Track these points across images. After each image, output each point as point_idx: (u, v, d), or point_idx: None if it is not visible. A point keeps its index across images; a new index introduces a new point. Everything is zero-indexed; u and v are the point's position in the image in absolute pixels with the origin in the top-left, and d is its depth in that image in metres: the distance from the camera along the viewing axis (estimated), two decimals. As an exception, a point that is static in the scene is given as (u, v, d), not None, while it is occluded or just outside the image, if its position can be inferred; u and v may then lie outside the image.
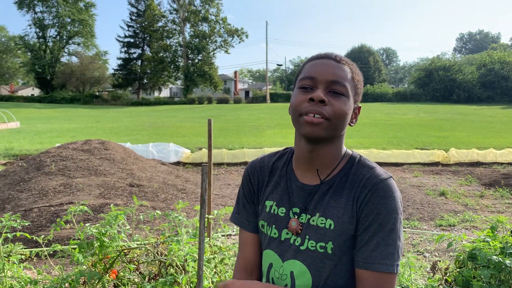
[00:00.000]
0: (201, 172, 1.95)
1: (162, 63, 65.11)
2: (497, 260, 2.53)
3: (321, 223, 1.14)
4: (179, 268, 2.84)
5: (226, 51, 67.68)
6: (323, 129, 1.11)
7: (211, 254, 3.11)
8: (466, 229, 6.05)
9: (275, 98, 58.07)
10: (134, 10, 66.08)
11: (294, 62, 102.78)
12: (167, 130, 21.29)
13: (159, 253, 3.08)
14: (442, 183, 9.12)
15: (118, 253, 3.03)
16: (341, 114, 1.12)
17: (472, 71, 55.83)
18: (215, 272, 2.93)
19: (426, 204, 7.24)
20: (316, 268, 1.15)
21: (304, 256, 1.17)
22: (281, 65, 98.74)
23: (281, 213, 1.23)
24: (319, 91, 1.11)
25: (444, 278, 2.99)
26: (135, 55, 67.45)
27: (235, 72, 78.37)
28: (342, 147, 1.21)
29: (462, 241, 3.16)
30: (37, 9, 69.34)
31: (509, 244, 2.72)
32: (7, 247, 3.17)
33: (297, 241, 1.18)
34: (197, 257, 2.24)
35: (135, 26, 66.57)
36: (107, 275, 2.98)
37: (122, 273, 3.05)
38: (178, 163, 11.36)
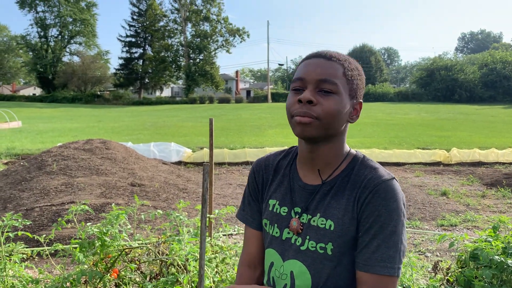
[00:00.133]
0: (202, 172, 1.94)
1: (164, 62, 65.15)
2: (499, 260, 2.53)
3: (321, 224, 1.14)
4: (180, 268, 2.84)
5: (227, 51, 67.76)
6: (314, 128, 1.10)
7: (213, 254, 3.11)
8: (467, 229, 6.04)
9: (276, 97, 58.06)
10: (136, 9, 66.20)
11: (295, 61, 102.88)
12: (168, 130, 21.30)
13: (160, 252, 3.08)
14: (444, 183, 9.11)
15: (119, 253, 3.04)
16: (331, 113, 1.10)
17: (474, 71, 55.75)
18: (216, 272, 2.93)
19: (427, 204, 7.23)
20: (316, 269, 1.15)
21: (304, 256, 1.16)
22: (282, 64, 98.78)
23: (283, 212, 1.23)
24: (307, 91, 1.11)
25: (446, 278, 2.98)
26: (136, 55, 67.54)
27: (237, 72, 78.39)
28: (343, 147, 1.19)
29: (463, 241, 3.15)
30: (39, 9, 69.51)
31: (511, 244, 2.71)
32: (9, 246, 3.18)
33: (298, 241, 1.18)
34: (198, 257, 2.24)
35: (136, 26, 66.65)
36: (108, 275, 2.99)
37: (123, 273, 3.05)
38: (179, 163, 11.36)
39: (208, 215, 3.32)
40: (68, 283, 2.87)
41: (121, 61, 66.90)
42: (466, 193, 8.18)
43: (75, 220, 3.22)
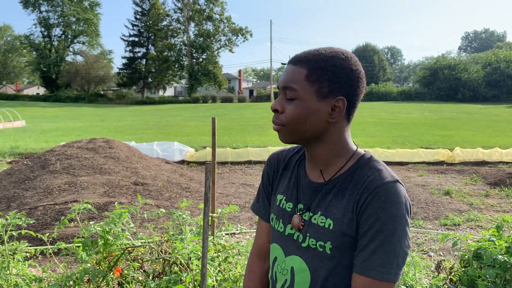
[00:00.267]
0: (205, 171, 1.94)
1: (167, 62, 65.22)
2: (502, 260, 2.52)
3: (321, 222, 1.14)
4: (183, 266, 2.85)
5: (230, 50, 67.77)
6: (284, 135, 1.16)
7: (215, 253, 3.11)
8: (471, 228, 6.02)
9: (279, 97, 57.94)
10: (139, 9, 66.33)
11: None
12: (171, 129, 21.33)
13: (163, 251, 3.08)
14: (447, 182, 9.09)
15: (122, 251, 3.04)
16: (293, 119, 1.12)
17: (478, 70, 55.58)
18: (219, 271, 2.93)
19: (430, 203, 7.22)
20: (315, 267, 1.15)
21: (305, 253, 1.17)
22: (285, 64, 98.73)
23: (288, 208, 1.24)
24: (275, 100, 1.16)
25: (449, 277, 2.97)
26: (139, 54, 67.67)
27: (239, 71, 78.43)
28: (341, 147, 1.16)
29: (467, 240, 3.15)
30: (42, 8, 69.73)
31: (514, 244, 2.70)
32: (12, 245, 3.19)
33: (300, 238, 1.18)
34: (201, 255, 2.25)
35: (139, 25, 66.78)
36: (111, 273, 2.99)
37: (126, 271, 3.06)
38: (182, 162, 11.38)
39: (210, 214, 3.32)
40: (71, 282, 2.88)
41: (124, 61, 67.16)
42: (470, 192, 8.16)
43: (78, 219, 3.23)
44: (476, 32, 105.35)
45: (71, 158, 8.09)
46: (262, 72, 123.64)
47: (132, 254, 3.15)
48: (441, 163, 11.38)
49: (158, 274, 3.08)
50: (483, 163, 11.21)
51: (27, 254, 3.28)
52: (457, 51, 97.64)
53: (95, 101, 59.92)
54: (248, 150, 12.02)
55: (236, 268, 3.11)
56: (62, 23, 70.84)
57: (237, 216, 6.56)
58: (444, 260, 3.32)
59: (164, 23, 67.10)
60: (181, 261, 2.83)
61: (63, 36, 72.41)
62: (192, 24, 66.28)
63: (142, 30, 66.90)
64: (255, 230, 5.40)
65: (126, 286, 3.09)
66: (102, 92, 66.19)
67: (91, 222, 3.11)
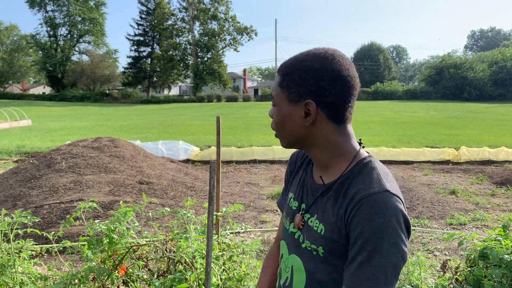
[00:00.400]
0: (209, 170, 1.94)
1: (172, 61, 65.34)
2: (508, 259, 2.50)
3: (315, 226, 1.12)
4: (187, 265, 2.85)
5: (235, 49, 67.75)
6: (279, 139, 1.20)
7: (220, 251, 3.11)
8: (477, 228, 5.99)
9: (284, 96, 57.92)
10: (144, 8, 66.50)
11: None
12: (176, 128, 21.37)
13: (167, 250, 3.09)
14: (453, 182, 9.04)
15: (127, 250, 3.05)
16: (276, 124, 1.16)
17: (484, 69, 55.29)
18: (223, 269, 2.93)
19: (436, 203, 7.18)
20: (310, 269, 1.14)
21: (303, 254, 1.16)
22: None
23: (294, 206, 1.24)
24: (271, 108, 1.20)
25: (455, 277, 2.96)
26: (145, 54, 67.87)
27: (244, 70, 78.45)
28: (336, 150, 1.13)
29: (473, 240, 3.13)
30: (48, 8, 70.11)
31: (521, 243, 2.68)
32: (18, 243, 3.20)
33: (300, 238, 1.18)
34: (205, 254, 2.25)
35: (145, 25, 66.96)
36: (116, 272, 3.00)
37: (131, 270, 3.06)
38: (187, 161, 11.39)
39: (215, 213, 3.32)
40: (76, 280, 2.89)
41: (129, 60, 67.37)
42: (476, 191, 8.11)
43: (83, 218, 3.24)
44: (482, 31, 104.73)
45: (76, 157, 8.12)
46: (267, 71, 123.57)
47: (137, 253, 3.16)
48: (446, 162, 11.32)
49: (162, 272, 3.09)
50: (489, 162, 11.15)
51: (33, 253, 3.30)
52: (463, 50, 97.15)
53: (101, 100, 60.15)
54: (253, 149, 12.02)
55: (241, 267, 3.11)
56: (68, 23, 71.18)
57: (242, 215, 6.57)
58: (450, 260, 3.31)
59: (169, 22, 67.28)
60: (185, 259, 2.84)
61: (69, 35, 72.76)
62: (197, 23, 66.38)
63: (147, 29, 67.06)
64: (260, 229, 5.40)
65: (131, 285, 3.10)
66: (107, 91, 66.42)
67: (96, 221, 3.12)
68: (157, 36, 66.79)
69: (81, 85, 67.82)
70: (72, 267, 3.25)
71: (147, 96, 62.85)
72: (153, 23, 66.04)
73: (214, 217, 3.31)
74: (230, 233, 3.82)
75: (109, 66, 72.27)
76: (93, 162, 7.95)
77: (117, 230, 3.01)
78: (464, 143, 13.52)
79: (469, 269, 2.82)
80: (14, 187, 7.08)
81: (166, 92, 70.50)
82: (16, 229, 3.09)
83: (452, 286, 2.92)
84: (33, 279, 3.04)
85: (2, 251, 3.11)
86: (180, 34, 67.47)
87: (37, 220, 3.31)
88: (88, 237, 3.03)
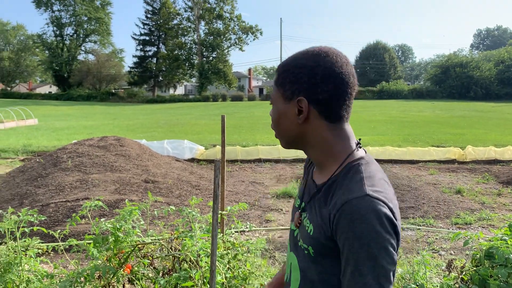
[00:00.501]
0: (214, 169, 1.95)
1: (177, 60, 65.45)
2: (514, 259, 2.49)
3: (307, 226, 1.12)
4: (192, 263, 2.86)
5: (240, 49, 67.74)
6: (279, 139, 1.20)
7: (225, 250, 3.12)
8: (483, 227, 5.96)
9: (289, 95, 57.81)
10: (150, 8, 66.62)
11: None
12: (182, 128, 21.42)
13: (173, 248, 3.10)
14: (459, 181, 9.00)
15: (132, 248, 3.06)
16: (274, 122, 1.18)
17: (490, 68, 54.91)
18: (228, 268, 2.94)
19: (442, 202, 7.16)
20: (303, 267, 1.14)
21: (299, 252, 1.16)
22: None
23: (297, 204, 1.25)
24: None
25: (460, 276, 2.95)
26: (150, 53, 68.02)
27: (249, 70, 78.39)
28: (328, 149, 1.11)
29: (478, 239, 3.11)
30: (55, 8, 70.46)
31: (527, 243, 2.67)
32: (25, 241, 3.23)
33: (298, 236, 1.18)
34: (210, 253, 2.25)
35: (150, 24, 67.09)
36: (122, 270, 3.01)
37: (136, 268, 3.08)
38: (192, 160, 11.42)
39: (220, 212, 3.33)
40: (82, 278, 2.91)
41: (135, 59, 67.55)
42: (481, 191, 8.07)
43: (89, 216, 3.26)
44: (488, 30, 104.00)
45: (82, 156, 8.16)
46: (272, 71, 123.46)
47: (142, 251, 3.17)
48: (452, 161, 11.27)
49: (168, 271, 3.10)
50: (495, 162, 11.08)
51: (39, 251, 3.32)
52: (469, 49, 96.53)
53: (107, 99, 60.36)
54: (257, 148, 12.02)
55: (246, 266, 3.12)
56: (74, 22, 71.51)
57: (247, 214, 6.57)
58: (455, 259, 3.30)
59: (175, 22, 67.35)
60: (190, 258, 2.85)
61: (75, 35, 73.09)
62: (203, 23, 66.40)
63: (153, 29, 67.21)
64: (265, 228, 5.39)
65: (136, 283, 3.11)
66: (113, 91, 66.61)
67: (102, 219, 3.14)
68: (163, 36, 66.93)
69: (87, 84, 68.10)
70: (78, 265, 3.27)
71: (153, 96, 63.02)
72: (158, 22, 66.18)
73: (219, 215, 3.32)
74: (235, 232, 3.83)
75: (115, 66, 72.51)
76: (99, 161, 7.99)
77: (122, 229, 3.02)
78: (470, 143, 13.46)
79: (474, 268, 2.80)
80: (20, 185, 7.13)
81: (171, 91, 70.64)
82: (23, 227, 3.11)
83: (457, 285, 2.91)
84: (39, 277, 3.06)
85: (9, 249, 3.13)
86: (186, 33, 67.57)
87: (43, 219, 3.33)
88: (93, 235, 3.05)
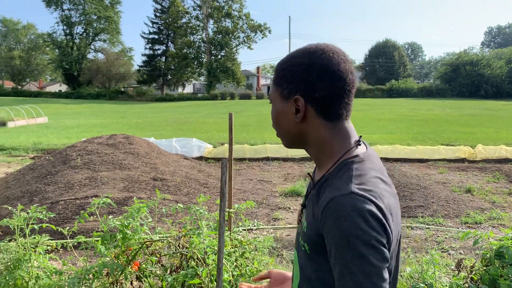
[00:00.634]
0: (221, 166, 1.95)
1: (186, 59, 65.60)
2: (525, 258, 2.46)
3: (303, 222, 1.12)
4: (200, 261, 2.86)
5: (249, 47, 67.71)
6: (280, 138, 1.19)
7: (232, 248, 3.12)
8: (493, 227, 5.90)
9: (297, 93, 57.69)
10: (159, 6, 66.85)
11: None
12: (190, 126, 21.47)
13: (180, 245, 3.10)
14: (468, 180, 8.92)
15: (140, 245, 3.07)
16: (273, 122, 1.17)
17: (501, 66, 54.31)
18: (235, 266, 2.94)
19: (451, 201, 7.10)
20: (301, 264, 1.13)
21: (299, 248, 1.16)
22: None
23: (303, 201, 1.25)
24: None
25: (470, 276, 2.92)
26: (159, 52, 68.27)
27: (258, 68, 78.37)
28: (325, 147, 1.10)
29: (488, 238, 3.08)
30: (65, 7, 70.90)
31: (538, 242, 2.63)
32: (34, 238, 3.25)
33: (299, 233, 1.18)
34: (217, 250, 2.25)
35: (159, 23, 67.32)
36: (130, 267, 3.03)
37: (144, 265, 3.09)
38: (200, 158, 11.45)
39: (227, 209, 3.33)
40: (90, 275, 2.92)
41: (144, 58, 67.87)
42: (492, 190, 7.99)
43: (98, 213, 3.28)
44: (499, 27, 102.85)
45: (91, 153, 8.21)
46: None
47: (150, 248, 3.18)
48: (462, 160, 11.17)
49: (175, 268, 3.10)
50: (506, 161, 10.96)
51: (49, 248, 3.35)
52: (480, 47, 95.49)
53: (116, 98, 60.68)
54: (266, 147, 12.01)
55: (253, 264, 3.11)
56: (83, 21, 71.95)
57: (255, 212, 6.57)
58: (465, 259, 3.26)
59: (183, 20, 67.48)
60: (198, 255, 2.85)
61: (85, 34, 73.54)
62: (211, 21, 66.45)
63: (161, 27, 67.45)
64: (273, 226, 5.38)
65: (144, 280, 3.12)
66: (122, 89, 66.95)
67: (110, 217, 3.15)
68: (172, 34, 67.13)
69: (97, 83, 68.52)
70: (87, 262, 3.28)
71: (162, 94, 63.24)
72: (167, 21, 66.38)
73: (226, 213, 3.32)
74: (243, 230, 3.83)
75: (124, 64, 72.87)
76: (108, 159, 8.03)
77: (130, 226, 3.03)
78: (481, 141, 13.33)
79: (484, 268, 2.78)
80: (30, 183, 7.19)
81: (180, 90, 70.85)
82: (32, 224, 3.14)
83: (467, 285, 2.88)
84: (48, 273, 3.08)
85: (19, 245, 3.16)
86: (194, 32, 67.68)
87: (52, 216, 3.35)
88: (102, 233, 3.06)
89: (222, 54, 65.52)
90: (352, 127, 1.13)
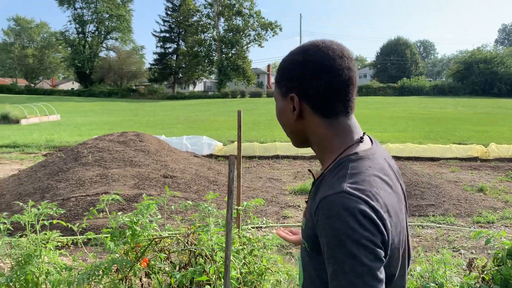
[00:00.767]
0: (228, 163, 1.94)
1: (197, 57, 65.80)
2: (538, 258, 2.42)
3: (303, 220, 1.11)
4: (208, 258, 2.86)
5: (259, 45, 67.67)
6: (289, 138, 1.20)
7: (240, 245, 3.11)
8: (505, 226, 5.83)
9: (308, 91, 57.56)
10: (170, 5, 67.15)
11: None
12: (201, 124, 21.53)
13: (189, 242, 3.11)
14: (481, 179, 8.82)
15: (149, 242, 3.08)
16: (277, 120, 1.17)
17: (515, 63, 53.65)
18: (244, 263, 2.93)
19: (463, 200, 7.01)
20: (304, 263, 1.12)
21: (302, 247, 1.15)
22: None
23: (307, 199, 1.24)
24: None
25: (481, 276, 2.88)
26: (170, 50, 68.59)
27: (268, 66, 78.30)
28: (324, 145, 1.10)
29: (501, 238, 3.04)
30: (77, 6, 71.53)
31: (551, 242, 2.59)
32: (45, 234, 3.28)
33: (301, 231, 1.17)
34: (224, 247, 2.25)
35: (170, 21, 67.62)
36: (139, 264, 3.04)
37: (153, 262, 3.10)
38: (210, 156, 11.47)
39: (236, 207, 3.33)
40: (100, 271, 2.94)
41: (155, 56, 68.28)
42: (505, 189, 7.89)
43: (107, 210, 3.29)
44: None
45: (102, 151, 8.27)
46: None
47: (159, 245, 3.19)
48: (474, 159, 11.04)
49: (184, 265, 3.11)
50: (520, 160, 10.82)
51: (59, 244, 3.38)
52: (494, 44, 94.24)
53: (128, 96, 61.09)
54: (275, 145, 12.00)
55: (262, 262, 3.11)
56: (95, 20, 72.55)
57: (264, 210, 6.57)
58: (477, 258, 3.22)
59: (195, 18, 67.71)
60: (206, 252, 2.85)
61: (97, 32, 74.14)
62: (222, 19, 66.53)
63: (173, 26, 67.73)
64: (282, 224, 5.37)
65: (152, 277, 3.13)
66: (134, 87, 67.41)
67: (119, 213, 3.17)
68: (183, 33, 67.38)
69: (109, 81, 69.05)
70: (96, 258, 3.31)
71: (173, 92, 63.51)
72: (178, 19, 66.63)
73: (235, 211, 3.32)
74: (252, 227, 3.82)
75: (135, 62, 73.33)
76: (118, 156, 8.08)
77: (139, 223, 3.05)
78: (494, 140, 13.15)
79: (496, 268, 2.74)
80: (42, 179, 7.26)
81: (191, 88, 71.11)
82: (43, 220, 3.17)
83: (478, 285, 2.84)
84: (58, 269, 3.10)
85: (29, 241, 3.19)
86: (205, 30, 67.82)
87: (62, 212, 3.38)
88: (111, 229, 3.08)
89: (233, 52, 65.58)
90: (354, 124, 1.11)
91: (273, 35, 68.41)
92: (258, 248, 3.15)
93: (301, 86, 1.06)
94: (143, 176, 7.32)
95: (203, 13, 67.69)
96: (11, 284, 3.06)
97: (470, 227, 5.75)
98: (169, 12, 67.48)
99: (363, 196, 0.94)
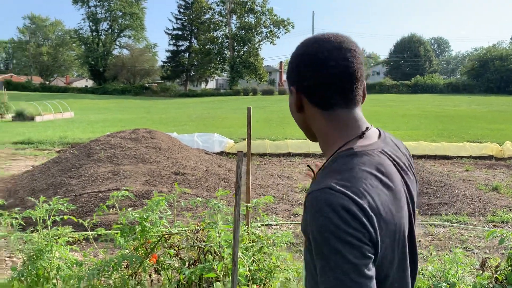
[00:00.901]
0: (236, 159, 1.93)
1: (209, 55, 65.94)
2: (553, 259, 2.37)
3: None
4: (217, 255, 2.86)
5: (271, 42, 67.49)
6: None
7: (250, 242, 3.10)
8: (520, 226, 5.73)
9: (320, 89, 57.31)
10: (182, 2, 67.37)
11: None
12: (213, 121, 21.58)
13: (198, 239, 3.11)
14: (495, 178, 8.68)
15: (159, 238, 3.09)
16: (290, 110, 1.16)
17: (533, 61, 52.76)
18: (253, 261, 2.92)
19: (477, 199, 6.91)
20: (305, 259, 1.09)
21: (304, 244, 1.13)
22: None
23: None
24: None
25: (495, 276, 2.84)
26: (183, 48, 68.85)
27: (280, 63, 78.11)
28: (323, 139, 1.10)
29: (515, 237, 2.99)
30: (91, 4, 72.22)
31: None
32: (57, 229, 3.31)
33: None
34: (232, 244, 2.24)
35: (183, 19, 67.85)
36: (148, 260, 3.05)
37: (162, 258, 3.10)
38: (221, 153, 11.48)
39: (246, 204, 3.32)
40: (110, 267, 2.96)
41: (168, 54, 68.55)
42: (520, 188, 7.76)
43: (117, 206, 3.31)
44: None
45: (114, 147, 8.32)
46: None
47: (168, 241, 3.20)
48: (489, 157, 10.88)
49: (193, 262, 3.11)
50: (535, 158, 10.63)
51: (71, 239, 3.41)
52: (510, 41, 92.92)
53: (140, 93, 61.50)
54: (287, 143, 11.97)
55: (271, 259, 3.09)
56: (109, 18, 73.17)
57: (275, 208, 6.55)
58: (490, 258, 3.17)
59: (207, 16, 67.81)
60: (215, 249, 2.85)
61: (110, 30, 74.77)
62: (234, 17, 66.51)
63: (185, 23, 67.95)
64: (292, 222, 5.35)
65: (162, 273, 3.14)
66: (147, 85, 67.83)
67: (129, 209, 3.18)
68: (195, 30, 67.57)
69: (122, 78, 69.59)
70: (106, 254, 3.33)
71: (185, 90, 63.77)
72: (191, 17, 66.82)
73: (244, 208, 3.31)
74: (261, 225, 3.81)
75: (148, 60, 73.82)
76: (130, 153, 8.13)
77: (149, 219, 3.05)
78: (509, 138, 12.95)
79: (510, 268, 2.69)
80: (55, 176, 7.34)
81: (203, 85, 71.35)
82: (54, 215, 3.20)
83: (491, 285, 2.80)
84: (69, 264, 3.13)
85: (41, 236, 3.22)
86: (217, 28, 67.89)
87: (72, 207, 3.41)
88: (121, 225, 3.10)
89: (245, 49, 65.55)
90: (357, 117, 1.07)
91: (285, 33, 68.28)
92: (267, 245, 3.14)
93: (298, 78, 1.08)
94: (154, 172, 7.35)
95: (215, 11, 67.80)
96: (22, 278, 3.10)
97: (483, 227, 5.67)
98: (181, 10, 67.75)
99: (348, 192, 0.92)
